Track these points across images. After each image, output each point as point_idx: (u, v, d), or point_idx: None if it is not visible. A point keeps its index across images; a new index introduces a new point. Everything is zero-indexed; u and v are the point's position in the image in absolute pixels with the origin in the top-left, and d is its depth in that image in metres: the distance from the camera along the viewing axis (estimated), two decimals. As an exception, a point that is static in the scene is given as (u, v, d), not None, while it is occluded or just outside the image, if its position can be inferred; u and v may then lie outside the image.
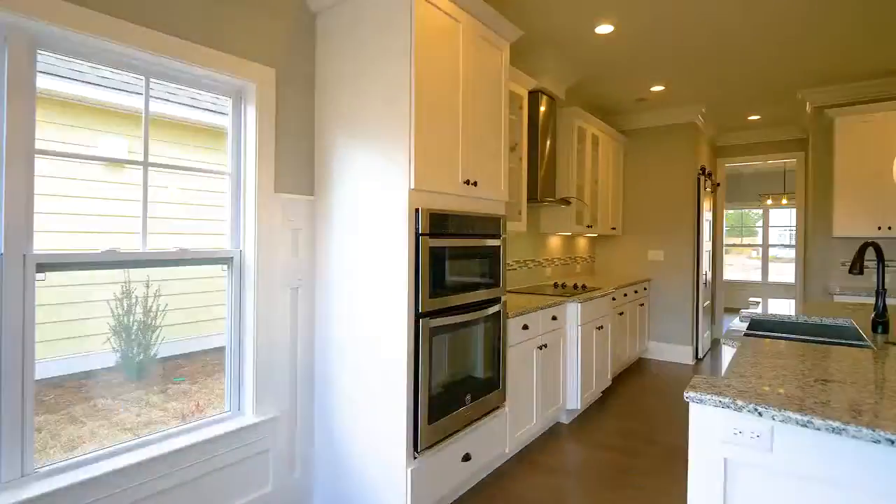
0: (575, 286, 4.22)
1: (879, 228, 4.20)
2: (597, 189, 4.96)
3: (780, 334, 2.52)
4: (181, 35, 1.89)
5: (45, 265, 1.64)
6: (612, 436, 3.34)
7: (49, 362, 1.79)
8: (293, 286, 2.33)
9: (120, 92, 1.92)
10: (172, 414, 2.13)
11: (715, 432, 1.32)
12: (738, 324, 2.75)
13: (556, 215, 4.35)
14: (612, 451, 3.10)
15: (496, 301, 2.64)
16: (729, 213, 10.04)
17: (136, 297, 2.01)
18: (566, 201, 4.09)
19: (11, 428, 1.56)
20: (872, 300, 3.82)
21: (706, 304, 5.95)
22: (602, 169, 5.07)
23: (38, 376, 1.65)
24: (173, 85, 2.01)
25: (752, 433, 1.27)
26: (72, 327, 1.86)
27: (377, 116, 2.16)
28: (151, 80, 1.93)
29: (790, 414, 1.19)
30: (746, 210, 10.02)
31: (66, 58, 1.72)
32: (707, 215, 5.89)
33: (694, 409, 1.36)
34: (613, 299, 4.39)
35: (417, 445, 2.12)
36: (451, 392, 2.30)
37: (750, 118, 5.78)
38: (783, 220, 9.69)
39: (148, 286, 2.04)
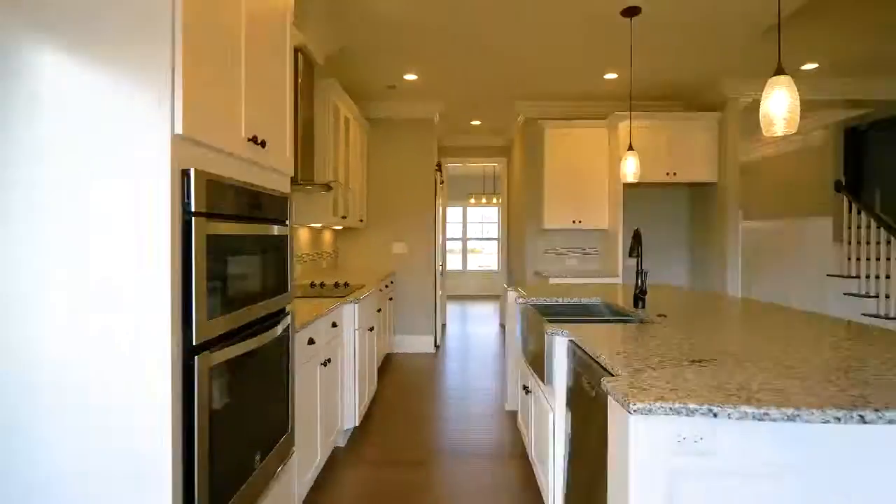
0: (336, 284, 3.71)
1: (574, 222, 5.13)
2: (349, 177, 4.54)
3: (567, 317, 2.61)
4: None
5: None
6: (395, 449, 3.00)
7: None
8: None
9: None
10: None
11: (659, 444, 1.11)
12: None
13: (315, 202, 3.74)
14: (399, 467, 2.75)
15: (285, 312, 1.93)
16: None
17: None
18: (328, 187, 3.53)
19: None
20: (580, 280, 4.61)
21: (440, 293, 6.28)
22: (353, 156, 4.67)
23: None
24: None
25: (697, 437, 1.10)
26: None
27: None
28: None
29: (746, 409, 1.06)
30: (451, 207, 11.29)
31: None
32: (440, 210, 6.21)
33: (635, 422, 1.11)
34: (381, 294, 4.07)
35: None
36: (237, 458, 1.51)
37: (472, 123, 6.35)
38: (477, 216, 11.31)
39: None
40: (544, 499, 2.17)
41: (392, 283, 5.30)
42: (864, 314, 5.01)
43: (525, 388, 2.60)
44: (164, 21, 1.18)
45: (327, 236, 5.11)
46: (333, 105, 3.88)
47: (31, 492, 1.20)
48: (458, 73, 4.42)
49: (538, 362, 2.18)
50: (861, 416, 1.01)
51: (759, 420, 1.07)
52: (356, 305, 3.03)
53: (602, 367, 1.50)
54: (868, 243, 5.69)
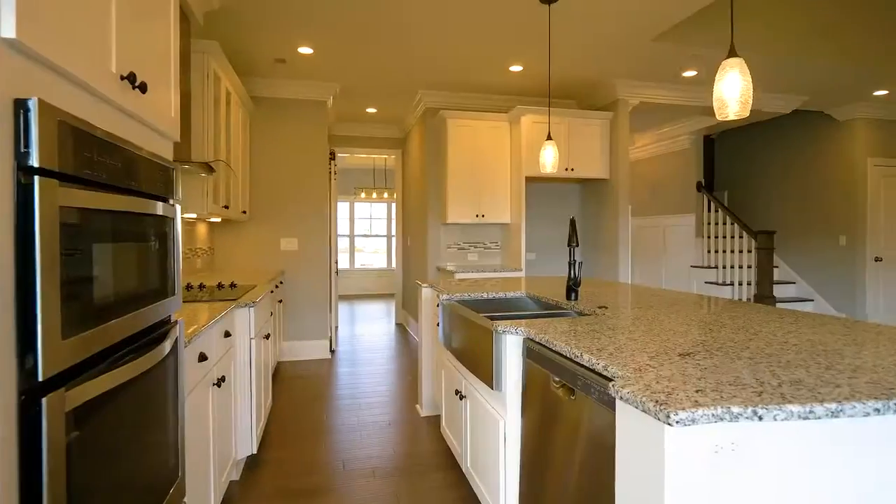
0: (220, 286, 3.12)
1: (477, 216, 5.02)
2: (230, 160, 3.90)
3: (500, 313, 2.42)
4: None
5: None
6: (299, 474, 2.57)
7: None
8: None
9: None
10: None
11: (697, 456, 0.93)
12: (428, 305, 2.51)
13: (192, 187, 3.10)
14: (307, 499, 2.35)
15: (171, 322, 1.45)
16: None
17: None
18: (209, 168, 2.94)
19: None
20: (488, 275, 4.49)
21: (335, 294, 5.80)
22: (234, 138, 4.04)
23: None
24: None
25: (731, 444, 0.94)
26: None
27: None
28: None
29: (793, 408, 0.92)
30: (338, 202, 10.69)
31: None
32: (334, 203, 5.72)
33: (675, 435, 0.92)
34: (272, 296, 3.53)
35: None
36: (108, 535, 1.03)
37: (368, 110, 5.95)
38: (365, 212, 10.86)
39: None
40: (490, 517, 1.94)
41: (282, 283, 4.72)
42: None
43: (458, 392, 2.35)
44: None
45: (201, 230, 4.37)
46: (214, 72, 3.27)
47: None
48: (358, 49, 4.02)
49: (480, 365, 1.94)
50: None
51: (804, 419, 0.94)
52: (252, 309, 2.53)
53: (588, 368, 1.30)
54: (724, 237, 6.43)
